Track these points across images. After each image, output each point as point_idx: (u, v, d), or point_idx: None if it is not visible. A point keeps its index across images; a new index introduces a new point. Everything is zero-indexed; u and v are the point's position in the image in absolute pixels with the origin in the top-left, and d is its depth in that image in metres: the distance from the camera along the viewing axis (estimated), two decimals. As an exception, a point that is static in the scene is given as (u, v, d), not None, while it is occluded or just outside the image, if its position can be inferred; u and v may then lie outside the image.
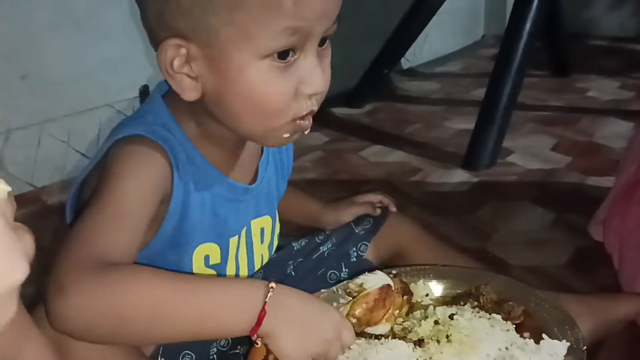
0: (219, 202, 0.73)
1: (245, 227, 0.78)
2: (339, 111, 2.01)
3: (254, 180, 0.79)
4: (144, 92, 1.54)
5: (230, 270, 0.78)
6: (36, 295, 0.62)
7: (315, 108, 0.66)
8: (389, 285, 0.63)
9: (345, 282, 0.69)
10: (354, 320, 0.61)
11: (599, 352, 0.85)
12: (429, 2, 2.04)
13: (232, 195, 0.75)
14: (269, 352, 0.57)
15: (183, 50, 0.62)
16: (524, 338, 0.64)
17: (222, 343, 0.78)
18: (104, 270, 0.55)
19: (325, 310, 0.60)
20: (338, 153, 1.68)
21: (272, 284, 0.57)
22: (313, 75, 0.63)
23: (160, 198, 0.66)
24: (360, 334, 0.63)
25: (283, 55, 0.61)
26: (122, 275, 0.56)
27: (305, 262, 0.92)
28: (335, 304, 0.64)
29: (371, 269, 0.88)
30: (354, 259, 0.92)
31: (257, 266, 0.83)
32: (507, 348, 0.62)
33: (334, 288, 0.74)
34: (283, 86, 0.62)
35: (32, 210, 1.37)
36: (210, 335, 0.59)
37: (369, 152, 1.68)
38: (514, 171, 1.51)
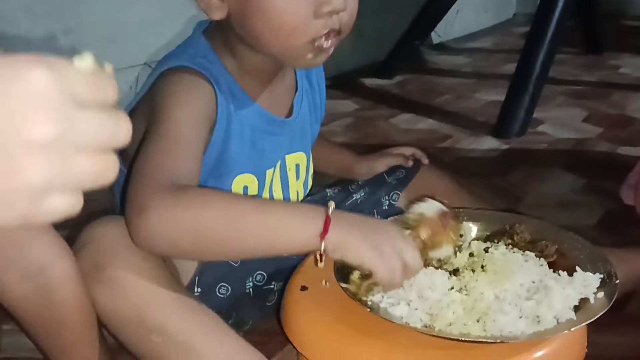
0: (257, 133, 0.76)
1: (280, 161, 0.81)
2: (369, 82, 2.02)
3: (289, 114, 0.81)
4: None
5: None
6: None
7: (337, 26, 0.67)
8: (444, 210, 0.65)
9: (397, 216, 0.71)
10: (421, 245, 0.63)
11: (629, 303, 0.86)
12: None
13: (269, 128, 0.77)
14: None
15: None
16: (557, 273, 0.65)
17: (257, 278, 0.81)
18: (180, 190, 0.59)
19: (380, 221, 0.63)
20: (368, 120, 1.70)
21: (331, 203, 0.60)
22: None
23: (210, 124, 0.69)
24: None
25: None
26: (198, 194, 0.60)
27: (338, 209, 0.94)
28: None
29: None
30: (386, 206, 0.94)
31: (293, 201, 0.85)
32: (540, 280, 0.63)
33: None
34: (301, 3, 0.65)
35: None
36: (282, 247, 0.61)
37: (398, 120, 1.69)
38: (545, 140, 1.51)
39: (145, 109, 0.71)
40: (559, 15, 1.52)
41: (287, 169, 0.83)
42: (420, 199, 0.67)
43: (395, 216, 0.78)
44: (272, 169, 0.80)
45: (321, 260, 0.58)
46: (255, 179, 0.78)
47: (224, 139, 0.72)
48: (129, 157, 0.76)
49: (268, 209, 0.60)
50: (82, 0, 1.38)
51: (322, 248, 0.58)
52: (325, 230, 0.58)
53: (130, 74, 1.50)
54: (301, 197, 0.87)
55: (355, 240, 0.58)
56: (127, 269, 0.61)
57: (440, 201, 0.67)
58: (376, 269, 0.58)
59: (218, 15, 0.68)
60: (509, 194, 1.23)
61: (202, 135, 0.68)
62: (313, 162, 0.89)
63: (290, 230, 0.59)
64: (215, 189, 0.64)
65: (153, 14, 1.50)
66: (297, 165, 0.85)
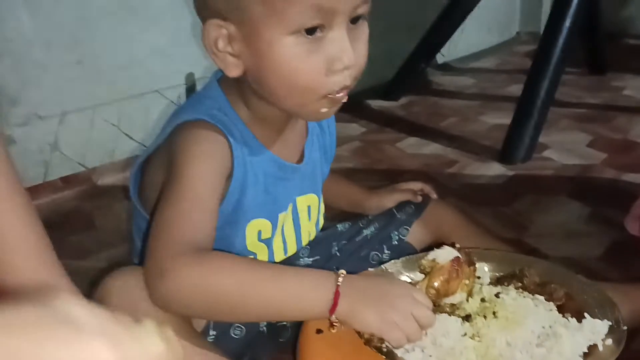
0: (270, 180, 0.78)
1: (291, 203, 0.83)
2: (375, 103, 2.04)
3: (300, 159, 0.83)
4: (190, 79, 1.59)
5: (277, 244, 0.83)
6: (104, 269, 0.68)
7: (348, 82, 0.69)
8: (458, 257, 0.68)
9: (409, 257, 0.73)
10: (433, 292, 0.66)
11: (635, 340, 0.87)
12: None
13: (281, 174, 0.80)
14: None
15: (224, 31, 0.68)
16: (566, 318, 0.67)
17: (271, 316, 0.83)
18: (198, 256, 0.63)
19: (391, 281, 0.66)
20: (375, 144, 1.72)
21: (342, 271, 0.63)
22: (342, 50, 0.66)
23: (226, 176, 0.72)
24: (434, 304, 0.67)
25: (310, 31, 0.65)
26: (214, 260, 0.63)
27: (349, 244, 0.96)
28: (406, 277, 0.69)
29: (413, 252, 0.93)
30: (396, 241, 0.96)
31: (305, 242, 0.87)
32: (550, 326, 0.65)
33: (382, 266, 0.79)
34: (312, 62, 0.66)
35: (84, 190, 1.44)
36: (293, 316, 0.66)
37: (405, 144, 1.72)
38: (550, 165, 1.53)
39: (164, 160, 0.74)
40: (565, 39, 1.54)
41: (299, 211, 0.85)
42: (436, 245, 0.69)
43: (408, 256, 0.80)
44: (284, 212, 0.82)
45: (333, 327, 0.62)
46: (269, 222, 0.80)
47: (240, 188, 0.75)
48: (148, 200, 0.79)
49: (281, 280, 0.63)
50: (95, 31, 1.41)
51: (333, 318, 0.62)
52: (334, 304, 0.61)
53: (140, 101, 1.53)
54: (313, 236, 0.89)
55: (365, 310, 0.62)
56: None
57: (455, 247, 0.69)
58: (386, 337, 0.62)
59: (235, 72, 0.70)
60: (515, 222, 1.25)
61: (218, 191, 0.71)
62: (325, 196, 0.92)
63: (301, 304, 0.63)
64: (231, 255, 0.67)
65: (163, 43, 1.53)
66: (309, 207, 0.87)
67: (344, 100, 0.71)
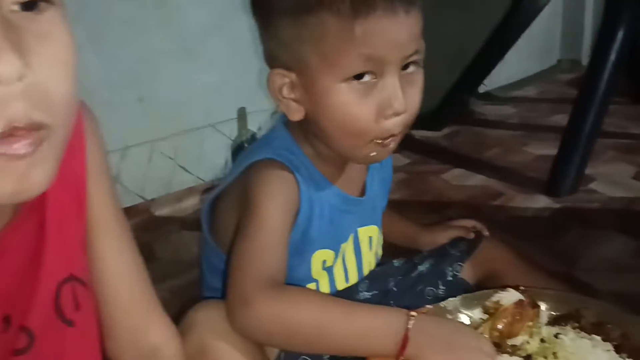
0: (335, 212, 0.83)
1: (353, 234, 0.88)
2: (419, 133, 2.08)
3: (362, 193, 0.88)
4: (242, 113, 1.66)
5: (338, 272, 0.88)
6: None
7: (397, 131, 0.74)
8: (522, 299, 0.71)
9: (464, 295, 0.77)
10: (496, 334, 0.69)
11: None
12: (511, 29, 2.09)
13: (345, 207, 0.85)
14: None
15: (287, 79, 0.74)
16: (623, 359, 0.70)
17: (334, 349, 0.87)
18: (276, 288, 0.68)
19: (459, 329, 0.69)
20: (420, 175, 1.75)
21: (413, 313, 0.66)
22: (392, 97, 0.71)
23: (295, 211, 0.77)
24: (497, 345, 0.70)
25: (359, 76, 0.70)
26: (294, 295, 0.69)
27: (405, 280, 0.99)
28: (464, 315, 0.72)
29: (467, 288, 0.96)
30: (450, 277, 0.99)
31: (366, 272, 0.92)
32: (608, 366, 0.68)
33: (441, 304, 0.82)
34: (363, 107, 0.71)
35: (143, 220, 1.50)
36: (364, 352, 0.69)
37: (450, 175, 1.75)
38: (596, 198, 1.54)
39: (236, 197, 0.79)
40: (610, 73, 1.56)
41: (360, 241, 0.90)
42: (502, 287, 0.72)
43: (466, 294, 0.83)
44: (346, 242, 0.87)
45: None
46: (332, 252, 0.85)
47: (307, 221, 0.80)
48: (220, 236, 0.84)
49: (353, 317, 0.68)
50: (155, 71, 1.49)
51: None
52: (403, 347, 0.65)
53: (196, 135, 1.60)
54: (372, 266, 0.94)
55: (432, 357, 0.65)
56: (230, 351, 0.69)
57: (519, 289, 0.72)
58: None
59: (297, 116, 0.76)
60: (564, 256, 1.27)
61: (289, 226, 0.76)
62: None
63: (371, 343, 0.67)
64: (306, 289, 0.73)
65: (216, 80, 1.60)
66: (370, 238, 0.92)
67: (391, 147, 0.76)
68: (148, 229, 1.47)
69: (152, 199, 1.54)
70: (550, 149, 1.64)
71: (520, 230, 1.38)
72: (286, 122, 0.84)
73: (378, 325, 0.67)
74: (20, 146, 0.41)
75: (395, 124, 0.73)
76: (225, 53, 1.59)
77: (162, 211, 1.54)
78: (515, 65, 2.63)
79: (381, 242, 0.95)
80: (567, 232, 1.37)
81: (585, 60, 2.74)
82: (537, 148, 1.91)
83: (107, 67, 1.41)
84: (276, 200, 0.74)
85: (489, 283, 0.98)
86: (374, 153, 0.76)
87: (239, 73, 1.57)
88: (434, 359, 0.65)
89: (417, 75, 0.75)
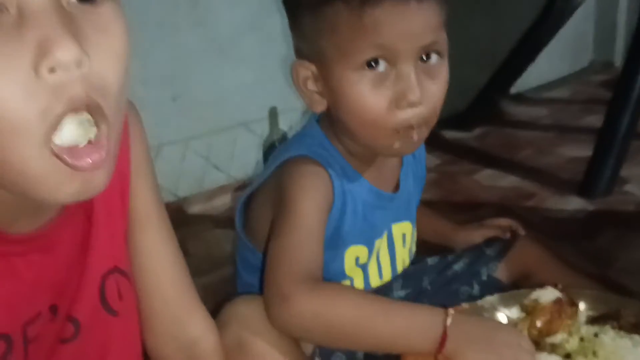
0: (368, 208, 0.84)
1: (387, 230, 0.88)
2: (449, 134, 2.06)
3: (396, 189, 0.88)
4: (273, 113, 1.67)
5: (372, 269, 0.88)
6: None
7: (414, 121, 0.72)
8: (560, 298, 0.70)
9: (501, 294, 0.77)
10: (535, 332, 0.68)
11: None
12: (544, 30, 2.07)
13: (379, 202, 0.85)
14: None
15: (309, 72, 0.75)
16: (664, 359, 0.69)
17: (367, 347, 0.87)
18: (316, 285, 0.69)
19: (498, 326, 0.69)
20: (450, 175, 1.74)
21: (451, 311, 0.66)
22: (406, 87, 0.70)
23: (329, 207, 0.78)
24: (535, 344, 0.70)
25: (370, 64, 0.70)
26: (332, 291, 0.69)
27: (439, 278, 0.99)
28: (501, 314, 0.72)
29: (502, 287, 0.95)
30: (485, 277, 0.99)
31: (400, 269, 0.92)
32: (649, 366, 0.67)
33: (477, 302, 0.82)
34: (376, 97, 0.71)
35: (176, 218, 1.51)
36: (401, 349, 0.69)
37: (481, 176, 1.73)
38: (631, 200, 1.52)
39: (270, 194, 0.80)
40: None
41: (394, 238, 0.90)
42: (540, 285, 0.72)
43: (503, 293, 0.83)
44: (380, 238, 0.87)
45: None
46: (366, 248, 0.85)
47: (339, 216, 0.80)
48: (255, 233, 0.85)
49: (392, 315, 0.68)
50: (188, 70, 1.51)
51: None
52: (442, 344, 0.65)
53: (228, 134, 1.61)
54: (406, 264, 0.94)
55: (471, 354, 0.65)
56: (267, 345, 0.69)
57: (557, 288, 0.71)
58: None
59: (319, 108, 0.78)
60: (599, 258, 1.25)
61: (324, 222, 0.77)
62: (414, 227, 0.96)
63: (410, 340, 0.67)
64: (345, 286, 0.74)
65: (248, 79, 1.61)
66: (404, 235, 0.91)
67: (415, 139, 0.74)
68: (180, 226, 1.47)
69: (185, 197, 1.56)
70: (583, 151, 1.62)
71: (554, 232, 1.36)
72: (318, 119, 0.84)
73: (417, 322, 0.67)
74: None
75: (411, 115, 0.71)
76: (257, 53, 1.60)
77: (194, 209, 1.56)
78: (546, 66, 2.60)
79: (415, 239, 0.95)
80: (601, 234, 1.35)
81: (618, 61, 2.69)
82: (570, 149, 1.88)
83: (141, 65, 1.42)
84: (311, 197, 0.75)
85: (523, 283, 0.97)
86: (397, 145, 0.75)
87: (270, 72, 1.57)
88: (473, 356, 0.65)
89: (438, 68, 0.73)
